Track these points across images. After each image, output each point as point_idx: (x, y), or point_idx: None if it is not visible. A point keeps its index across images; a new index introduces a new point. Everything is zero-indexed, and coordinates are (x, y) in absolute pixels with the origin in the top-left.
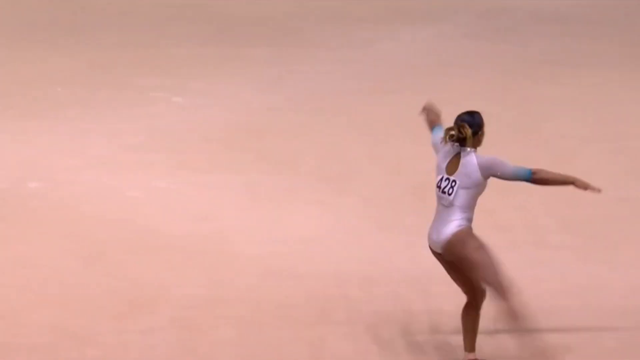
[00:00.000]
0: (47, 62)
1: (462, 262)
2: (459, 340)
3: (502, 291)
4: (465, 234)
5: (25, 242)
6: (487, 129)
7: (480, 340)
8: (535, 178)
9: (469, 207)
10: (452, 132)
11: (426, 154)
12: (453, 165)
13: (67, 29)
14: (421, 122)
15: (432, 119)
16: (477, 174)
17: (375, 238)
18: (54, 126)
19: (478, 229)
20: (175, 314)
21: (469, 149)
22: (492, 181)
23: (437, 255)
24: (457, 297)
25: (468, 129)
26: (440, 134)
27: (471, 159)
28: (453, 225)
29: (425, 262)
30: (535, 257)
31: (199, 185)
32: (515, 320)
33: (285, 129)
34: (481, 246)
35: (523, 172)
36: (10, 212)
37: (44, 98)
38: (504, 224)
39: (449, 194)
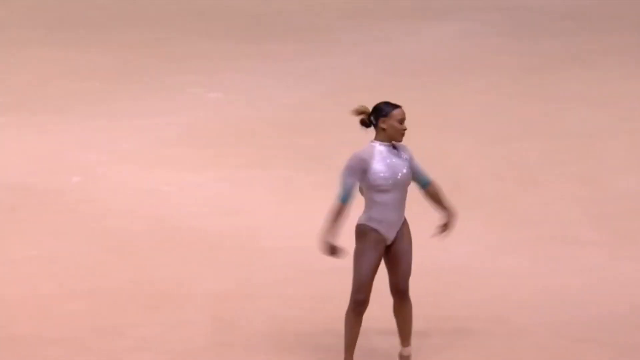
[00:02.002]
0: (81, 58)
1: None
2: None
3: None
4: (357, 232)
5: (56, 236)
6: (511, 124)
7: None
8: (429, 189)
9: (366, 204)
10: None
11: (452, 149)
12: None
13: (99, 26)
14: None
15: (335, 218)
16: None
17: None
18: (87, 121)
19: (504, 224)
20: (206, 307)
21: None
22: (515, 175)
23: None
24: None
25: (360, 110)
26: (348, 181)
27: None
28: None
29: (457, 254)
30: (561, 252)
31: (230, 180)
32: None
33: (316, 125)
34: (361, 252)
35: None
36: (42, 206)
37: (79, 93)
38: (530, 218)
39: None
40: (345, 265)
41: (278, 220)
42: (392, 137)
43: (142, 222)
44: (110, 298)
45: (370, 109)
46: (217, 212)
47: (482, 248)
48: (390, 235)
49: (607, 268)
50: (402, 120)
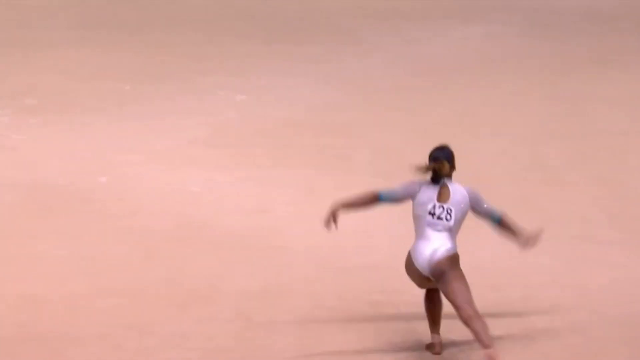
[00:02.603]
0: (112, 59)
1: (443, 276)
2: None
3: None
4: (458, 259)
5: (86, 235)
6: (533, 125)
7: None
8: (503, 221)
9: (458, 233)
10: (432, 169)
11: (474, 149)
12: (445, 193)
13: (130, 27)
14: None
15: (360, 202)
16: (467, 202)
17: None
18: (117, 121)
19: (526, 224)
20: (233, 305)
21: (449, 180)
22: (537, 175)
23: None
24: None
25: (446, 165)
26: (395, 192)
27: (459, 188)
28: (450, 246)
29: (478, 254)
30: (582, 252)
31: (256, 179)
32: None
33: (342, 126)
34: (463, 275)
35: (495, 213)
36: (73, 206)
37: (108, 94)
38: (552, 218)
39: (447, 220)
40: (368, 264)
41: (303, 220)
42: None
43: (170, 221)
44: (139, 296)
45: (445, 158)
46: (243, 212)
47: (504, 248)
48: None
49: (629, 267)
50: None
